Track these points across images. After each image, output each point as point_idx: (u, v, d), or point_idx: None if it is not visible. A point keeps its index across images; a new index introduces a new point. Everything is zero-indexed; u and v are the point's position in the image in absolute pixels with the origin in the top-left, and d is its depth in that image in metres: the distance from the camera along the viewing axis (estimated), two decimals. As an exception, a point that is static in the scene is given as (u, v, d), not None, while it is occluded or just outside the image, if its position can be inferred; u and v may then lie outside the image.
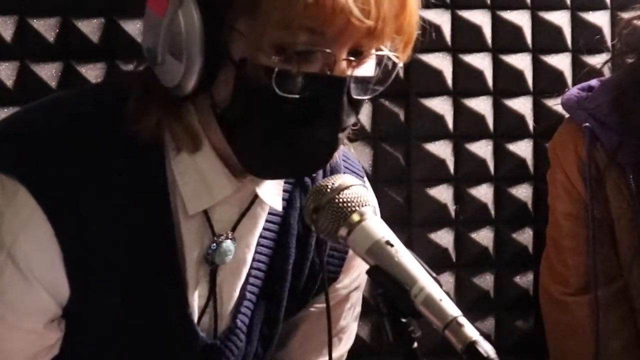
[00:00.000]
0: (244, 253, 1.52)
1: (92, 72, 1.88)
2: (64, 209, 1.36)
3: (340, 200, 1.32)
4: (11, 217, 1.37)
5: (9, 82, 1.83)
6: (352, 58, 1.33)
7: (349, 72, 1.33)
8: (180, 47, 1.32)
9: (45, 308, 1.41)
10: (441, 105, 2.15)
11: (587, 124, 1.96)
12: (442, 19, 2.14)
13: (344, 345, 1.74)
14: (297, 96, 1.31)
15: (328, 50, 1.30)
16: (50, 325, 1.43)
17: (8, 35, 1.83)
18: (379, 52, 1.36)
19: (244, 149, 1.39)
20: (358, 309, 1.74)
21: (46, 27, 1.85)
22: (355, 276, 1.67)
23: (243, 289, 1.54)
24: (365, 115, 2.09)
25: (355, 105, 1.37)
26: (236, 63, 1.32)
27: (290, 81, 1.31)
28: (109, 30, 1.89)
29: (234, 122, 1.37)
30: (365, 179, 1.65)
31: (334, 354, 1.70)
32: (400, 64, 1.40)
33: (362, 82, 1.36)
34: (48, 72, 1.86)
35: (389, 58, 1.38)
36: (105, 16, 1.89)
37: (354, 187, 1.33)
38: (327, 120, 1.35)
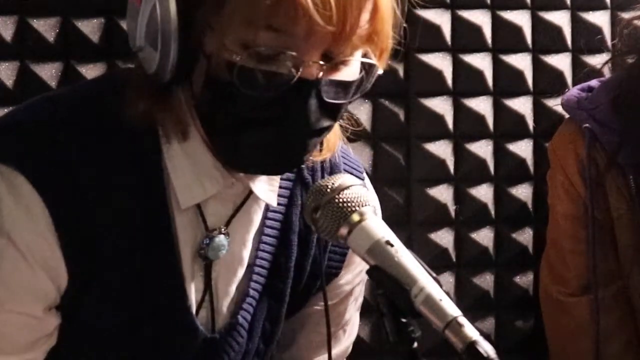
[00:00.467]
0: (240, 249, 1.52)
1: (92, 72, 1.88)
2: (62, 199, 1.37)
3: (340, 200, 1.32)
4: (11, 205, 1.37)
5: (9, 82, 1.84)
6: (322, 62, 1.32)
7: (320, 75, 1.32)
8: (156, 37, 1.33)
9: (45, 292, 1.41)
10: (441, 105, 2.15)
11: (587, 125, 1.96)
12: (442, 19, 2.14)
13: (348, 337, 1.74)
14: (260, 95, 1.31)
15: (293, 53, 1.30)
16: (49, 311, 1.43)
17: (8, 35, 1.84)
18: (353, 58, 1.35)
19: (216, 141, 1.41)
20: (360, 299, 1.75)
21: (46, 27, 1.86)
22: (357, 271, 1.67)
23: (246, 285, 1.54)
24: (365, 115, 2.09)
25: (330, 109, 1.36)
26: (207, 57, 1.33)
27: (253, 79, 1.31)
28: (109, 30, 1.89)
29: (206, 114, 1.39)
30: (366, 178, 1.65)
31: (340, 347, 1.72)
32: (380, 71, 1.39)
33: (338, 86, 1.35)
34: (48, 72, 1.86)
35: (370, 65, 1.37)
36: (105, 16, 1.89)
37: (354, 187, 1.33)
38: (293, 122, 1.34)
